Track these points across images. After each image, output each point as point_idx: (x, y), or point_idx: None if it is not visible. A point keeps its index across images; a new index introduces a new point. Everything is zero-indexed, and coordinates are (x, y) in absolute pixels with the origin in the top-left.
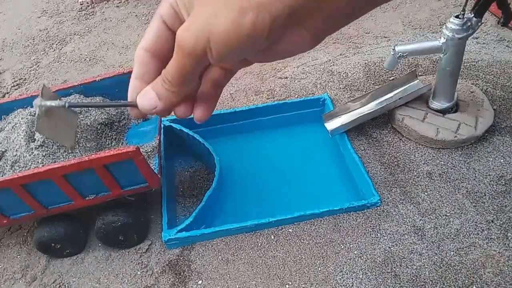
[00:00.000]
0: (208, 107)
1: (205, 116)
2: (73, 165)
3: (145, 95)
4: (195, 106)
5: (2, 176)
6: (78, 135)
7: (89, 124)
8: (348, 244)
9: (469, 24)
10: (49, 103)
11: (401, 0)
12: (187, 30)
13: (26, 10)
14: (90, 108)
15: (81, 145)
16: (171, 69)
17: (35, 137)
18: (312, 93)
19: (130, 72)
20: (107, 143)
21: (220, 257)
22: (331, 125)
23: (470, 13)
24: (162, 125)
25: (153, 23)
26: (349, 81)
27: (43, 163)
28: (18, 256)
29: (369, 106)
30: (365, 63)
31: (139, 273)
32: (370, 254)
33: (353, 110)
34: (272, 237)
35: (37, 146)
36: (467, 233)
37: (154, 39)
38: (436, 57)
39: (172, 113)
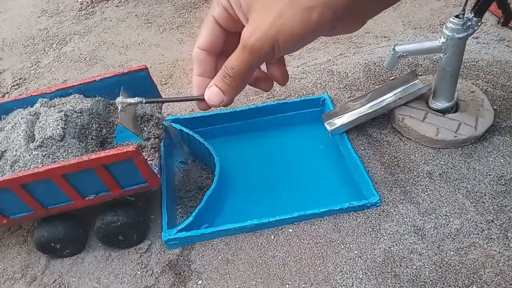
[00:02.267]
0: (282, 70)
1: (285, 78)
2: (72, 165)
3: (211, 91)
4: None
5: (2, 176)
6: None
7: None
8: (348, 244)
9: (469, 24)
10: (128, 100)
11: (401, 0)
12: (254, 31)
13: (26, 9)
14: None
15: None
16: (234, 65)
17: (34, 137)
18: (312, 93)
19: (130, 72)
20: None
21: (220, 257)
22: (331, 125)
23: (470, 13)
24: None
25: (206, 24)
26: (349, 81)
27: (42, 163)
28: (18, 256)
29: (369, 106)
30: (365, 63)
31: (139, 273)
32: (370, 254)
33: (353, 110)
34: (272, 237)
35: (37, 146)
36: (467, 233)
37: (209, 39)
38: (436, 57)
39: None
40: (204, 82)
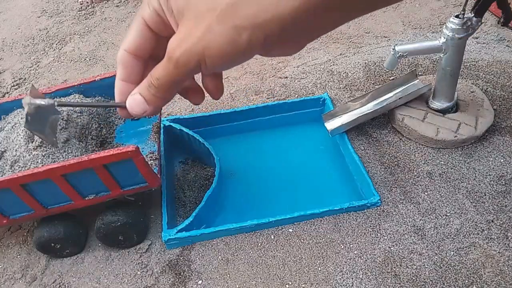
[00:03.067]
0: (216, 83)
1: (219, 92)
2: (72, 165)
3: (134, 99)
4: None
5: (2, 176)
6: (58, 134)
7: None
8: (348, 244)
9: (469, 23)
10: (38, 101)
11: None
12: (180, 43)
13: (26, 9)
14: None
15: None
16: (160, 76)
17: (34, 137)
18: (312, 93)
19: None
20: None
21: (220, 257)
22: (331, 125)
23: (470, 12)
24: (162, 125)
25: (134, 25)
26: (349, 81)
27: (42, 163)
28: (18, 256)
29: (369, 106)
30: (365, 63)
31: (139, 273)
32: (370, 254)
33: (353, 110)
34: (272, 237)
35: (36, 146)
36: (467, 233)
37: (136, 41)
38: (436, 57)
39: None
40: (127, 88)
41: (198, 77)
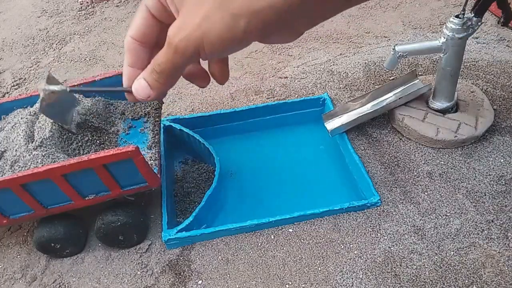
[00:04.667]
0: (222, 68)
1: (224, 77)
2: (72, 165)
3: (139, 84)
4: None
5: (2, 176)
6: (77, 119)
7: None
8: (348, 244)
9: (469, 23)
10: (52, 87)
11: (401, 0)
12: (179, 30)
13: (26, 9)
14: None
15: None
16: (161, 62)
17: (34, 137)
18: (312, 93)
19: None
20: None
21: (220, 257)
22: (331, 125)
23: (470, 12)
24: (162, 125)
25: (139, 13)
26: (349, 81)
27: (42, 163)
28: (18, 256)
29: (369, 106)
30: (365, 63)
31: (139, 273)
32: (370, 254)
33: (353, 110)
34: (272, 237)
35: (36, 146)
36: (467, 233)
37: (141, 28)
38: (436, 57)
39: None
40: (134, 73)
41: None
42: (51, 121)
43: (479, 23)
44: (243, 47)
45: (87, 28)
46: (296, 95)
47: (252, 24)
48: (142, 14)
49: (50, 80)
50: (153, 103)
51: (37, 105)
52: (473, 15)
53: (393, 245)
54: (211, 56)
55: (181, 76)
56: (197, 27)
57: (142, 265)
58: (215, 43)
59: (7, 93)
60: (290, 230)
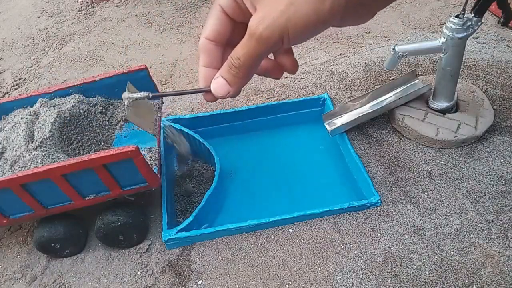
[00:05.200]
0: (292, 58)
1: (295, 66)
2: (72, 165)
3: (217, 83)
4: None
5: (2, 176)
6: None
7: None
8: (348, 244)
9: (469, 23)
10: (135, 95)
11: (401, 0)
12: (262, 19)
13: (26, 9)
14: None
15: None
16: (241, 55)
17: (34, 137)
18: (312, 93)
19: (130, 72)
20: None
21: (220, 257)
22: (331, 125)
23: (470, 12)
24: (162, 125)
25: (213, 13)
26: (349, 81)
27: (42, 163)
28: (18, 256)
29: (369, 106)
30: (365, 63)
31: (139, 273)
32: (370, 254)
33: (353, 110)
34: (272, 237)
35: (36, 146)
36: (467, 233)
37: (216, 28)
38: (436, 57)
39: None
40: (210, 73)
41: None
42: (51, 121)
43: (479, 23)
44: (322, 31)
45: (87, 28)
46: (296, 95)
47: (336, 3)
48: (216, 14)
49: (131, 89)
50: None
51: (125, 112)
52: (473, 15)
53: (393, 245)
54: (294, 41)
55: (254, 73)
56: (281, 13)
57: (142, 265)
58: (300, 27)
59: (7, 93)
60: (290, 230)
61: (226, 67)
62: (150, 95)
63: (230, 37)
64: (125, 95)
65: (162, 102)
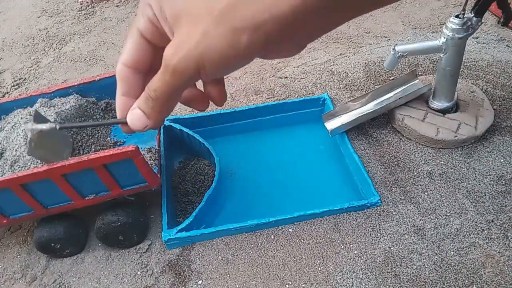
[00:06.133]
0: (220, 89)
1: (223, 98)
2: (72, 165)
3: (134, 114)
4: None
5: (2, 176)
6: (72, 152)
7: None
8: (348, 244)
9: (469, 23)
10: (39, 126)
11: (401, 0)
12: (177, 50)
13: (26, 9)
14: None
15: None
16: (157, 87)
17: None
18: (312, 93)
19: None
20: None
21: (220, 257)
22: (331, 125)
23: (470, 12)
24: (162, 125)
25: (131, 37)
26: (349, 81)
27: (42, 163)
28: (18, 256)
29: (369, 106)
30: (365, 63)
31: (139, 273)
32: (370, 254)
33: (353, 110)
34: (272, 237)
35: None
36: (467, 233)
37: (134, 54)
38: (436, 57)
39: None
40: (128, 103)
41: (199, 84)
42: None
43: (479, 23)
44: (245, 64)
45: (87, 28)
46: (296, 95)
47: (255, 38)
48: (133, 38)
49: (38, 118)
50: None
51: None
52: (473, 15)
53: (393, 245)
54: (212, 75)
55: (178, 102)
56: (196, 44)
57: (142, 265)
58: (216, 61)
59: (7, 93)
60: (290, 230)
61: (143, 98)
62: (58, 126)
63: (153, 63)
64: (28, 126)
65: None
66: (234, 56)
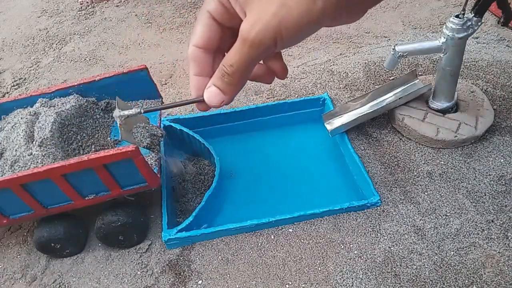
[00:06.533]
0: (281, 63)
1: (285, 71)
2: (72, 165)
3: (210, 92)
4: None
5: (2, 176)
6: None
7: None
8: (348, 244)
9: (469, 23)
10: (127, 112)
11: (401, 0)
12: (254, 23)
13: (26, 9)
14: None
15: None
16: (233, 62)
17: (34, 137)
18: (312, 93)
19: (130, 72)
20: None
21: (220, 257)
22: (331, 125)
23: (470, 12)
24: (162, 125)
25: (201, 19)
26: (349, 81)
27: (42, 163)
28: (18, 256)
29: (369, 106)
30: (365, 63)
31: (139, 273)
32: (370, 254)
33: (353, 110)
34: (272, 237)
35: (36, 146)
36: (467, 233)
37: (204, 35)
38: (436, 57)
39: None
40: (202, 82)
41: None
42: (51, 121)
43: (479, 23)
44: (315, 31)
45: (87, 28)
46: (296, 95)
47: (328, 3)
48: (204, 20)
49: (120, 105)
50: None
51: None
52: (473, 15)
53: (393, 245)
54: (287, 44)
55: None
56: (273, 16)
57: (142, 265)
58: (293, 29)
59: (7, 93)
60: (290, 230)
61: (218, 75)
62: (142, 110)
63: (220, 43)
64: (116, 113)
65: (162, 103)
66: (309, 22)
